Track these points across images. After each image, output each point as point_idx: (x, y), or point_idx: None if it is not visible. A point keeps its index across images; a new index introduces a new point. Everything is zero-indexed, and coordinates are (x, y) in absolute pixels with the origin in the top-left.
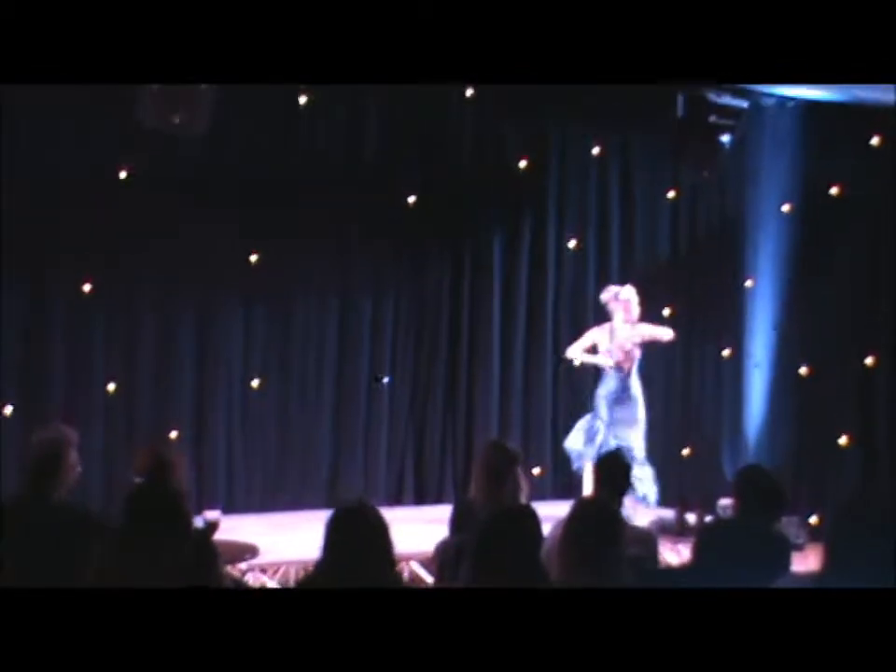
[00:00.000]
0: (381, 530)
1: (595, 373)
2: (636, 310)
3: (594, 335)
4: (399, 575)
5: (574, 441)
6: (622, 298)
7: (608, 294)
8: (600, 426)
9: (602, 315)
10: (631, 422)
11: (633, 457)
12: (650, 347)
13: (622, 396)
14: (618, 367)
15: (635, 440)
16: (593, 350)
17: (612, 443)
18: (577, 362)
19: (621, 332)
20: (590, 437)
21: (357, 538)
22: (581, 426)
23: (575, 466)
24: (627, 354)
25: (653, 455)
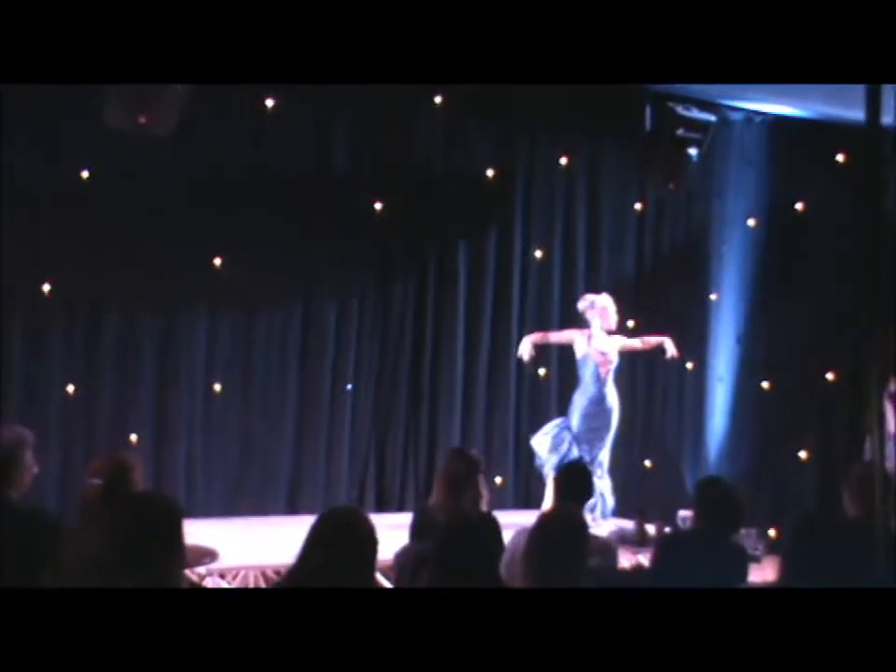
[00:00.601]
0: (372, 540)
1: (564, 383)
2: (613, 318)
3: (572, 334)
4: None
5: (540, 445)
6: (598, 306)
7: (584, 303)
8: (567, 435)
9: (567, 325)
10: (601, 434)
11: (597, 467)
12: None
13: (596, 407)
14: (597, 369)
15: (601, 452)
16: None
17: (575, 454)
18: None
19: (598, 339)
20: (556, 444)
21: (348, 543)
22: (549, 429)
23: (537, 463)
24: (605, 359)
25: (615, 466)
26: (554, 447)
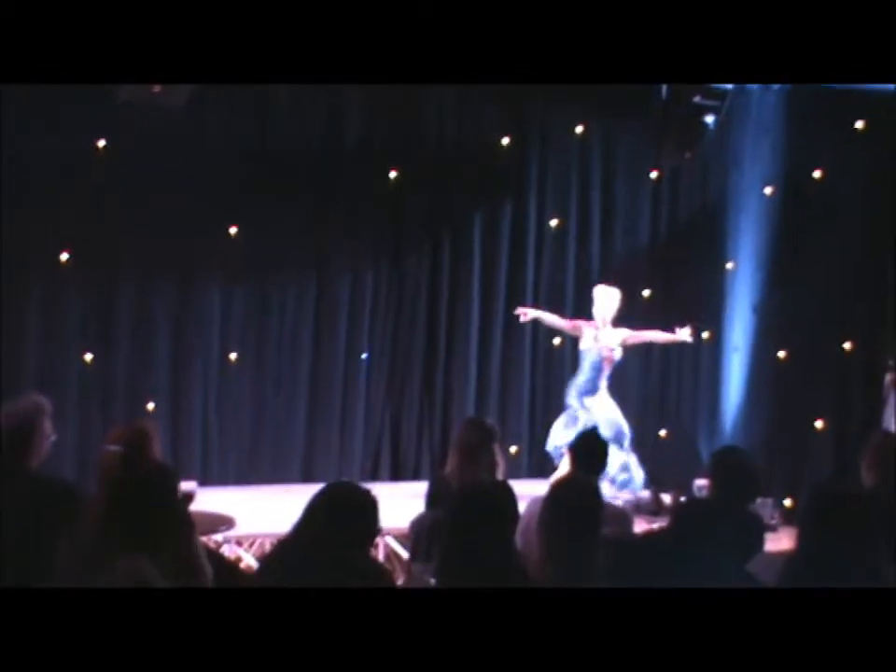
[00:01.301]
0: (372, 515)
1: (573, 357)
2: (612, 309)
3: (580, 327)
4: (372, 561)
5: (556, 438)
6: (597, 298)
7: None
8: (578, 414)
9: (581, 296)
10: (605, 406)
11: (622, 438)
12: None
13: (590, 389)
14: (599, 362)
15: (618, 422)
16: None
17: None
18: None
19: (603, 333)
20: (571, 425)
21: (345, 518)
22: (559, 423)
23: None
24: (609, 353)
25: (630, 436)
26: (571, 426)
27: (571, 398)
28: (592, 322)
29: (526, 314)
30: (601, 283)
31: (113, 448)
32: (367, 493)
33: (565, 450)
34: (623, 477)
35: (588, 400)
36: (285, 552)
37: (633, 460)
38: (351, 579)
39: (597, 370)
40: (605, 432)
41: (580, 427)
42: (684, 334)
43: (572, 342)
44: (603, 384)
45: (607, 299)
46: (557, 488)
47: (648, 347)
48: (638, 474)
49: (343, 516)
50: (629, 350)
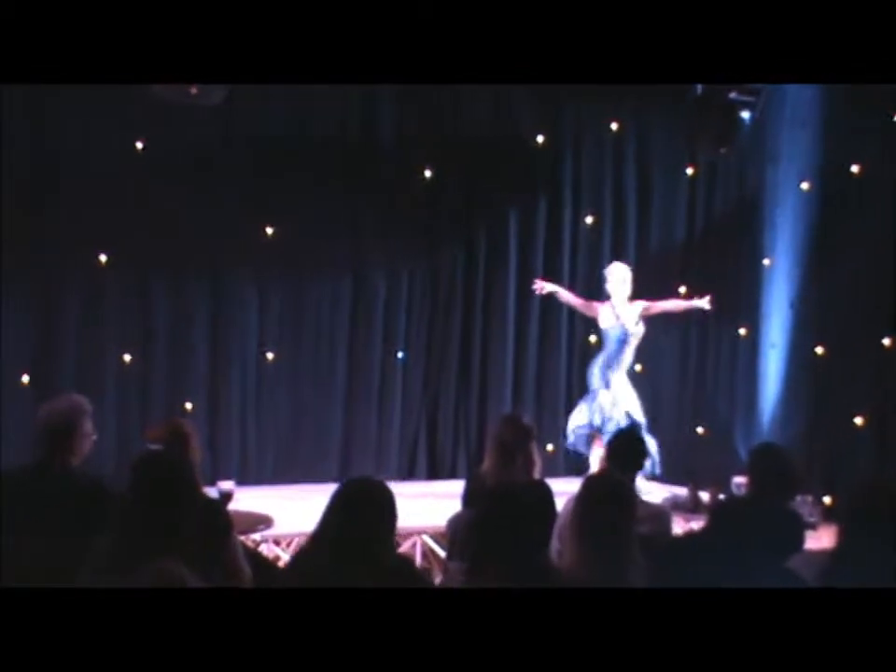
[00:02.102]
0: (389, 509)
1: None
2: (627, 286)
3: (596, 308)
4: (397, 555)
5: (575, 419)
6: (613, 276)
7: (604, 273)
8: (599, 395)
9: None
10: (625, 389)
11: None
12: (666, 324)
13: (612, 367)
14: (620, 340)
15: (633, 407)
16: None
17: (621, 418)
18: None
19: (620, 311)
20: (591, 411)
21: (363, 513)
22: (580, 408)
23: (579, 448)
24: (629, 330)
25: (666, 433)
26: (591, 413)
27: (594, 377)
28: (607, 301)
29: (543, 287)
30: (614, 262)
31: (153, 447)
32: (382, 486)
33: (583, 431)
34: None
35: (612, 377)
36: (310, 549)
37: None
38: (375, 573)
39: (622, 343)
40: (619, 413)
41: (599, 405)
42: (702, 302)
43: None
44: (626, 360)
45: (620, 275)
46: (590, 485)
47: (685, 345)
48: (655, 461)
49: (359, 511)
50: (649, 323)
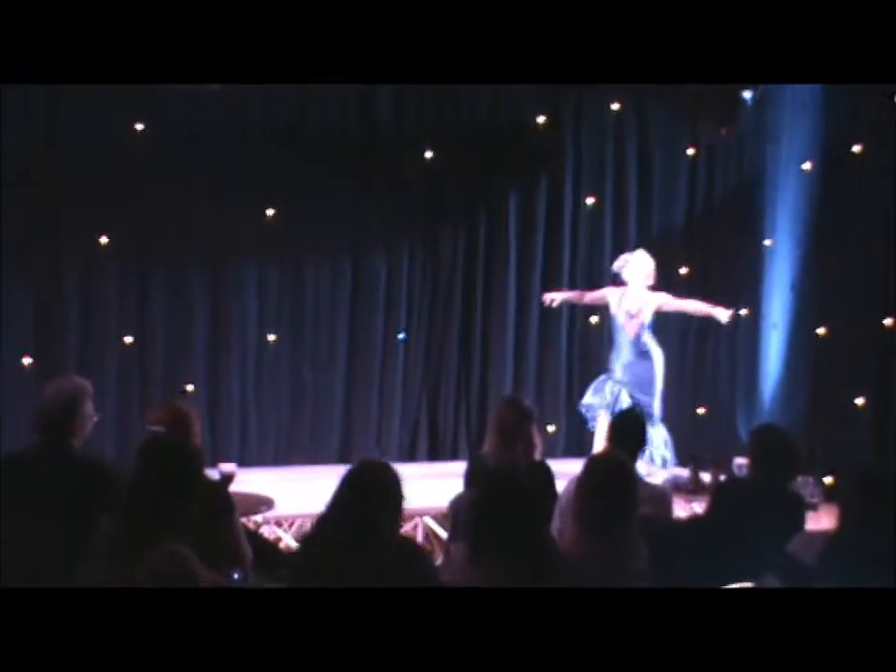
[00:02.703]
0: (396, 492)
1: (610, 335)
2: (650, 275)
3: (606, 293)
4: (402, 537)
5: (588, 399)
6: (634, 264)
7: (619, 262)
8: (613, 384)
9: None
10: (645, 383)
11: (649, 415)
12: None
13: (633, 360)
14: (626, 327)
15: (650, 400)
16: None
17: (627, 401)
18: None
19: (630, 298)
20: (602, 393)
21: (370, 495)
22: (595, 385)
23: (590, 425)
24: (633, 318)
25: (668, 414)
26: (602, 396)
27: (616, 368)
28: (620, 286)
29: (554, 300)
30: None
31: (155, 429)
32: (389, 468)
33: (599, 417)
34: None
35: (632, 373)
36: (321, 530)
37: (659, 436)
38: (380, 554)
39: (628, 335)
40: (626, 400)
41: (611, 397)
42: (722, 314)
43: (609, 321)
44: (648, 344)
45: (644, 264)
46: (591, 465)
47: (685, 326)
48: (668, 452)
49: (367, 492)
50: (659, 315)
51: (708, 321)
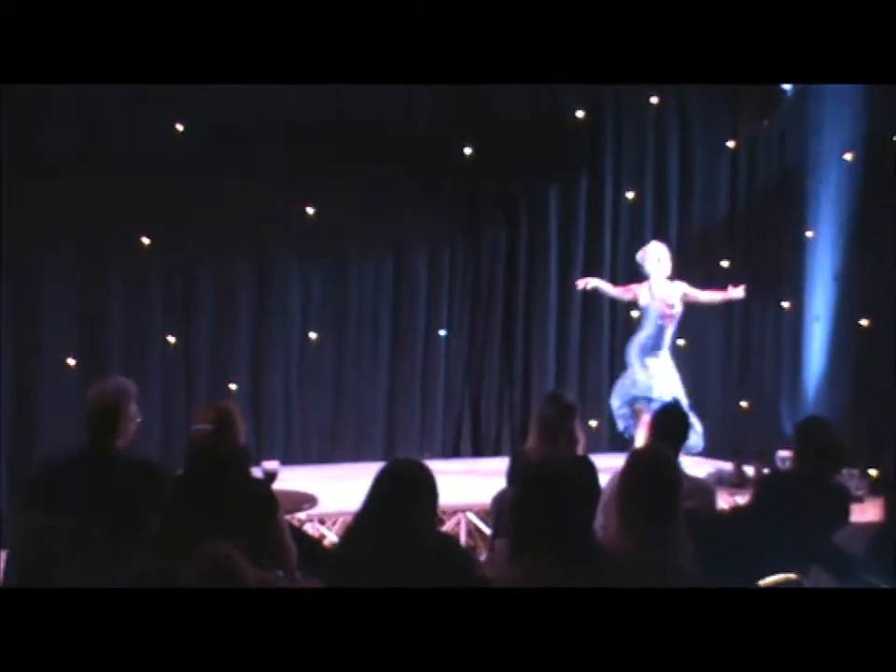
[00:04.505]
0: (428, 489)
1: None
2: (667, 264)
3: (634, 289)
4: (440, 533)
5: (615, 399)
6: (651, 254)
7: (640, 254)
8: (637, 376)
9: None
10: (665, 369)
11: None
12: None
13: (651, 347)
14: (660, 319)
15: (675, 387)
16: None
17: (650, 388)
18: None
19: (659, 288)
20: (628, 388)
21: (401, 494)
22: (619, 384)
23: (621, 427)
24: (667, 307)
25: (711, 407)
26: (628, 390)
27: (632, 355)
28: (645, 281)
29: (587, 283)
30: (654, 240)
31: (202, 427)
32: (422, 466)
33: (624, 410)
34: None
35: (649, 360)
36: (354, 529)
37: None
38: (417, 552)
39: (659, 327)
40: (660, 395)
41: (638, 389)
42: (737, 292)
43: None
44: (666, 342)
45: (656, 254)
46: (634, 460)
47: (729, 320)
48: (698, 439)
49: (398, 489)
50: (690, 307)
51: (752, 316)
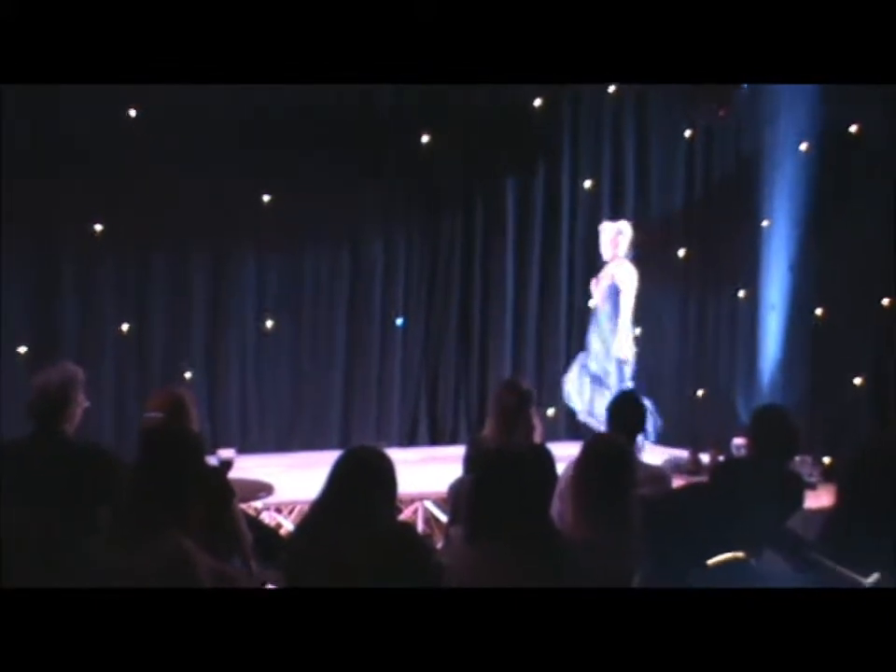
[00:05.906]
0: (387, 477)
1: None
2: (617, 247)
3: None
4: (397, 522)
5: (568, 384)
6: (600, 237)
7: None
8: (586, 374)
9: None
10: (620, 364)
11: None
12: (664, 287)
13: (603, 323)
14: (612, 296)
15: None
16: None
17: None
18: None
19: (612, 268)
20: (583, 373)
21: (361, 481)
22: (572, 369)
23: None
24: (598, 286)
25: (666, 395)
26: (578, 386)
27: (590, 337)
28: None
29: None
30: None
31: (153, 415)
32: (379, 453)
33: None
34: None
35: (604, 335)
36: (311, 518)
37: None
38: (375, 540)
39: (612, 299)
40: (594, 367)
41: (587, 389)
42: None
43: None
44: (622, 319)
45: (608, 235)
46: (590, 448)
47: (684, 308)
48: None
49: (356, 477)
50: (645, 284)
51: (708, 305)
